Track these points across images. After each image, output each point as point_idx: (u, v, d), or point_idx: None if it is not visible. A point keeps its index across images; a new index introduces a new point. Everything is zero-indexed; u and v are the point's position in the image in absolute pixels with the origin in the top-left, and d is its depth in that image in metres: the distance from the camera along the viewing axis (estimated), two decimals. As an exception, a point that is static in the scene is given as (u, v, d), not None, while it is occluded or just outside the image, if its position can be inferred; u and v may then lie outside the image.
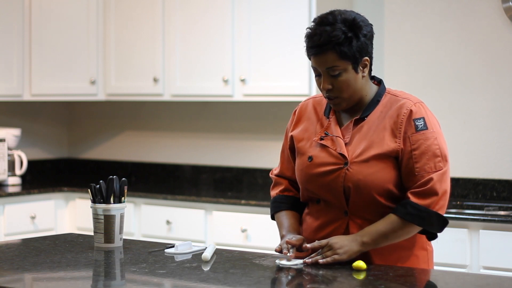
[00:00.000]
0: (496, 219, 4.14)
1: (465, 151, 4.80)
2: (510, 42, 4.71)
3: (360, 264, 2.72)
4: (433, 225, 2.81)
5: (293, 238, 2.86)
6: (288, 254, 2.80)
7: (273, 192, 3.11)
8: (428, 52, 4.94)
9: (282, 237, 2.95)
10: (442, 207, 2.80)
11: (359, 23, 2.82)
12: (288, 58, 5.02)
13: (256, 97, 5.20)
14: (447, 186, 2.81)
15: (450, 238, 4.20)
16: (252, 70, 5.16)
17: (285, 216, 3.02)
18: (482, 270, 4.14)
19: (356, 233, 2.81)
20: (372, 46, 2.87)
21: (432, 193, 2.77)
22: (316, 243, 2.81)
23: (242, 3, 5.18)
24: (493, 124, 4.76)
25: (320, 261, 2.77)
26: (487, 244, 4.13)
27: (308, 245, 2.81)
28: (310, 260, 2.78)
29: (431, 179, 2.77)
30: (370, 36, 2.85)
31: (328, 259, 2.76)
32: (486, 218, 4.17)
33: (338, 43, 2.78)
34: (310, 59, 2.86)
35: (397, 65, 5.02)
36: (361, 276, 2.65)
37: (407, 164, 2.80)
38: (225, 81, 5.23)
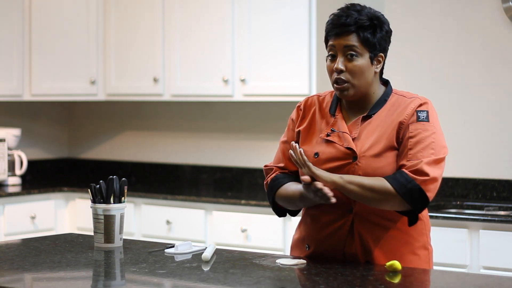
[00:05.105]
0: (496, 219, 4.14)
1: (465, 151, 4.80)
2: (510, 42, 4.70)
3: (396, 265, 2.67)
4: (414, 200, 2.77)
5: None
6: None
7: (270, 177, 3.03)
8: (428, 52, 4.94)
9: (302, 194, 2.86)
10: (429, 190, 2.77)
11: (383, 19, 2.90)
12: (288, 58, 5.02)
13: (256, 97, 5.20)
14: (438, 173, 2.79)
15: (450, 238, 4.20)
16: (252, 70, 5.16)
17: (295, 184, 2.94)
18: (482, 270, 4.14)
19: None
20: (388, 47, 2.93)
21: (423, 173, 2.76)
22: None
23: (242, 3, 5.18)
24: (493, 124, 4.75)
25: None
26: (487, 244, 4.13)
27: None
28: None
29: (422, 161, 2.76)
30: (389, 35, 2.93)
31: (313, 169, 2.77)
32: (486, 218, 4.17)
33: (362, 27, 2.84)
34: (328, 42, 2.89)
35: (397, 65, 5.01)
36: (368, 276, 2.65)
37: (402, 150, 2.81)
38: (225, 81, 5.22)
